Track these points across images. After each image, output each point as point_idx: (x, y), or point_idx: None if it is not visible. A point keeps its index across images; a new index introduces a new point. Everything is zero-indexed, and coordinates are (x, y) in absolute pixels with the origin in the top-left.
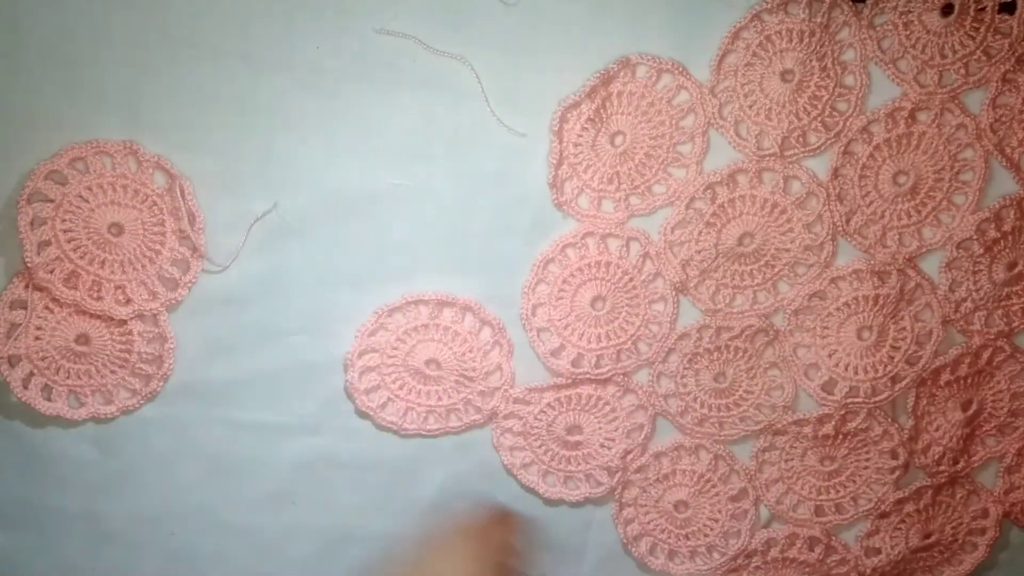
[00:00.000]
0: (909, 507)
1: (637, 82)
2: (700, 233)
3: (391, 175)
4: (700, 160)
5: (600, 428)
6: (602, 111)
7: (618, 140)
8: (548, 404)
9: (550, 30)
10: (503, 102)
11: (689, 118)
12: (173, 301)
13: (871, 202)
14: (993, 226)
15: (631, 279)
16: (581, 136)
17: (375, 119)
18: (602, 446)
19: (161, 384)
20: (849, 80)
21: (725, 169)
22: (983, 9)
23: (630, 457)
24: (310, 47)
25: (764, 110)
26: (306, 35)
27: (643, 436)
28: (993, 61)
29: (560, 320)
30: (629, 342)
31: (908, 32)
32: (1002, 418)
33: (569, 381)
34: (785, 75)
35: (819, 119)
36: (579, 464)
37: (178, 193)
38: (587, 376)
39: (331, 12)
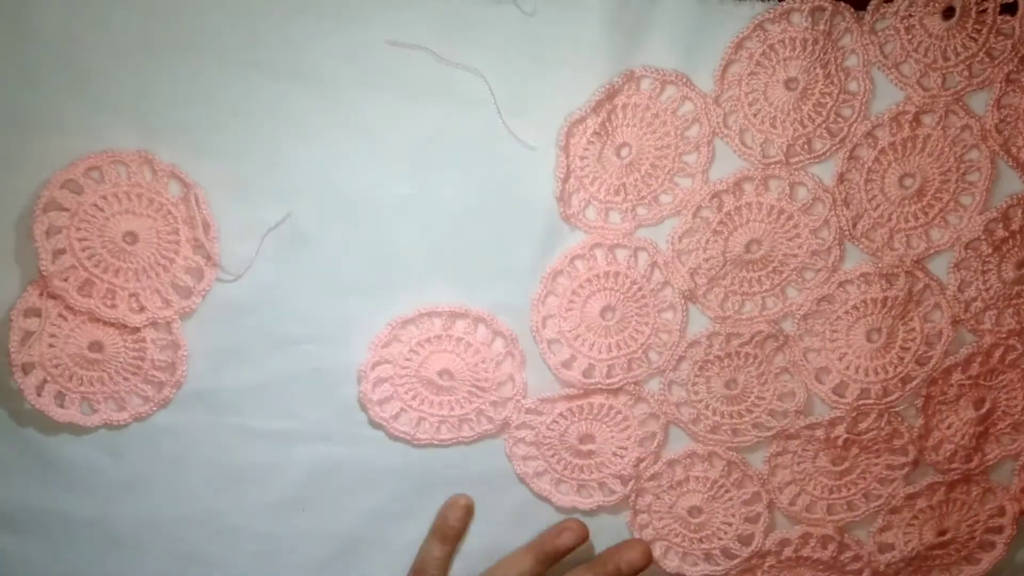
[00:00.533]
0: (921, 503)
1: (641, 94)
2: (707, 241)
3: (401, 185)
4: (706, 169)
5: (612, 437)
6: (607, 124)
7: (624, 152)
8: (560, 414)
9: (557, 42)
10: (512, 114)
11: (694, 128)
12: (186, 309)
13: (877, 206)
14: (1001, 225)
15: (640, 288)
16: (587, 149)
17: (387, 129)
18: (615, 455)
19: (174, 391)
20: (853, 86)
21: (731, 177)
22: (984, 11)
23: (643, 465)
24: (325, 57)
25: (769, 118)
26: (321, 46)
27: (656, 444)
28: (996, 62)
29: (570, 331)
30: (640, 351)
31: (910, 36)
32: (1017, 416)
33: (581, 391)
34: (789, 83)
35: (824, 126)
36: (592, 473)
37: (193, 202)
38: (598, 386)
39: (345, 24)
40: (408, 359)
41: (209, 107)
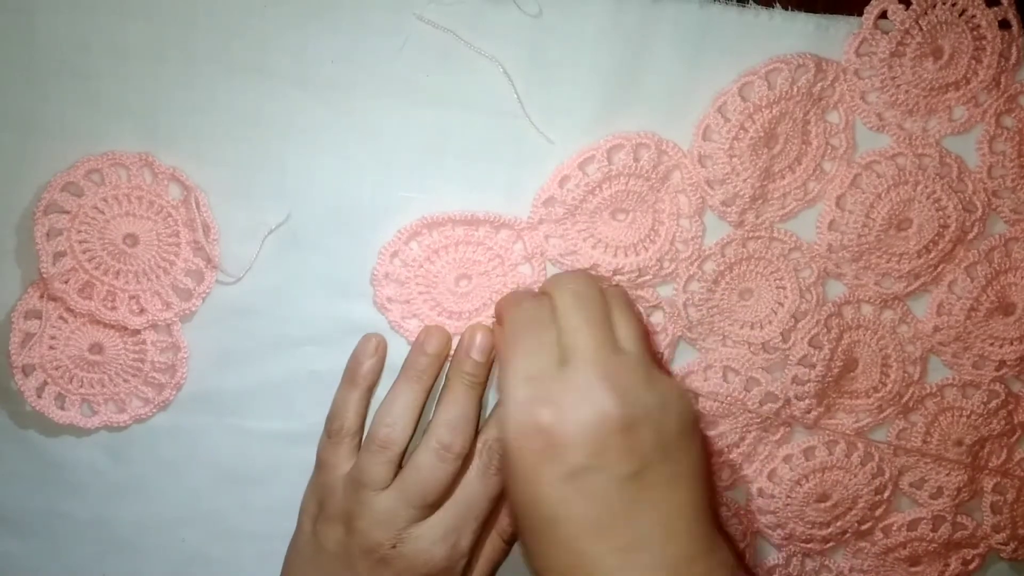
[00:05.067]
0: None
1: (640, 167)
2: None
3: (402, 188)
4: (700, 236)
5: None
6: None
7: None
8: None
9: (560, 44)
10: (514, 115)
11: (682, 198)
12: (187, 311)
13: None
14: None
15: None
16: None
17: (388, 133)
18: None
19: (174, 393)
20: (835, 141)
21: (716, 244)
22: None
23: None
24: (325, 62)
25: (750, 181)
26: (322, 50)
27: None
28: (983, 107)
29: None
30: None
31: (894, 83)
32: None
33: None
34: (771, 142)
35: (803, 186)
36: None
37: (193, 205)
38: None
39: (348, 28)
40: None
41: (210, 110)
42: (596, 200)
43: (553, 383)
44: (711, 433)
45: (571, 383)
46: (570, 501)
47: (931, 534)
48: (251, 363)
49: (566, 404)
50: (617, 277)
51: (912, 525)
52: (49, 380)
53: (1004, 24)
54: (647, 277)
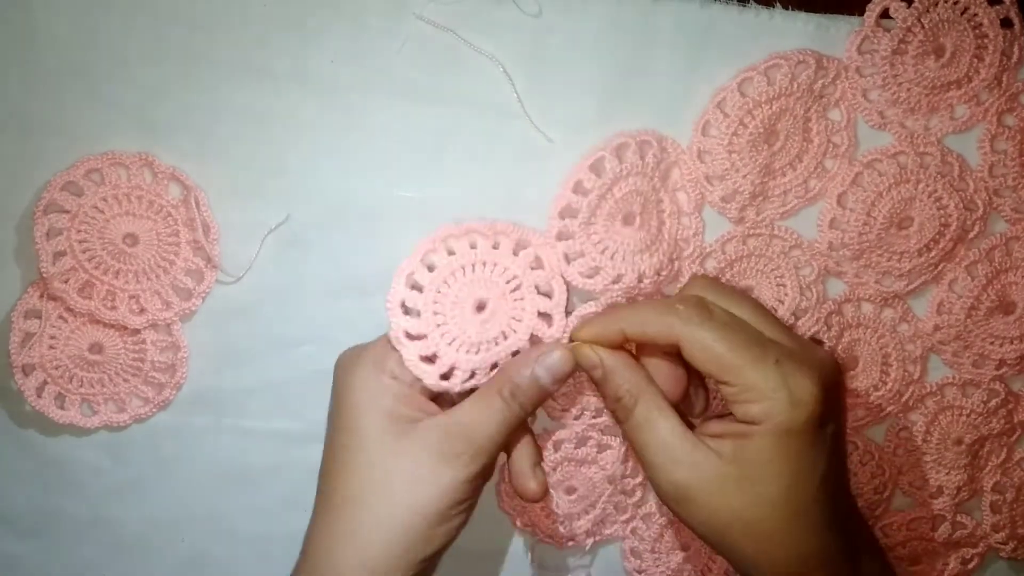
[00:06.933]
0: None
1: (646, 165)
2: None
3: (402, 188)
4: (701, 233)
5: None
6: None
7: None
8: None
9: (560, 43)
10: (514, 115)
11: (681, 195)
12: (187, 311)
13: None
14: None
15: None
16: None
17: (388, 133)
18: None
19: (174, 393)
20: (837, 139)
21: (716, 241)
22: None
23: None
24: (325, 62)
25: (750, 177)
26: (322, 49)
27: None
28: (985, 105)
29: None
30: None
31: (896, 81)
32: None
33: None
34: (771, 139)
35: (804, 184)
36: None
37: (193, 204)
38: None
39: (347, 27)
40: None
41: (210, 110)
42: (609, 204)
43: None
44: None
45: None
46: None
47: (930, 533)
48: (251, 363)
49: None
50: (643, 283)
51: (912, 524)
52: (49, 380)
53: (1006, 22)
54: (661, 277)
